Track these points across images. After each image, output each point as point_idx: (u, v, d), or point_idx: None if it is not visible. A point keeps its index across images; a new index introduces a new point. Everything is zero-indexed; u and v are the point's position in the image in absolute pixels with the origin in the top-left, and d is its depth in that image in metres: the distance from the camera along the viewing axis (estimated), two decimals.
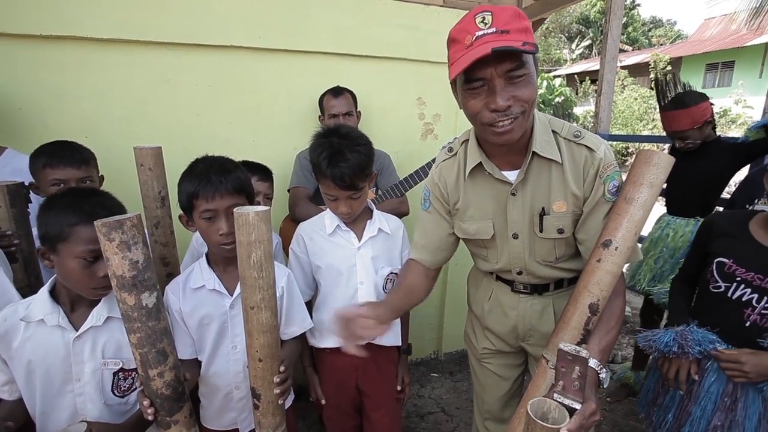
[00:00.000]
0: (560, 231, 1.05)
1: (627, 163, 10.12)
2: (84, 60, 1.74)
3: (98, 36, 1.72)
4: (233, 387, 1.20)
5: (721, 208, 2.11)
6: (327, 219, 1.38)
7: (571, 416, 0.79)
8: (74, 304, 1.02)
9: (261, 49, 1.95)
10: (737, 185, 1.63)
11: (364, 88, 2.07)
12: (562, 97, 12.09)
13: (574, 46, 23.55)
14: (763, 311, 1.08)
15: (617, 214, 0.90)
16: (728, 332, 1.14)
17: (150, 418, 0.87)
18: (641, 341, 1.29)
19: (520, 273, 1.15)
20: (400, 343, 1.49)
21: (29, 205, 1.28)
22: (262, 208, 0.84)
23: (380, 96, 2.21)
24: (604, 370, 0.92)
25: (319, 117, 2.01)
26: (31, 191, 1.40)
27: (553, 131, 1.04)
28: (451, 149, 1.17)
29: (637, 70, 15.17)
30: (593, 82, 13.09)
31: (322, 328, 1.39)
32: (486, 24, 0.88)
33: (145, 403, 0.87)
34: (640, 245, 2.17)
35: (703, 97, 1.95)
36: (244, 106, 2.00)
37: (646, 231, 2.20)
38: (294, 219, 1.88)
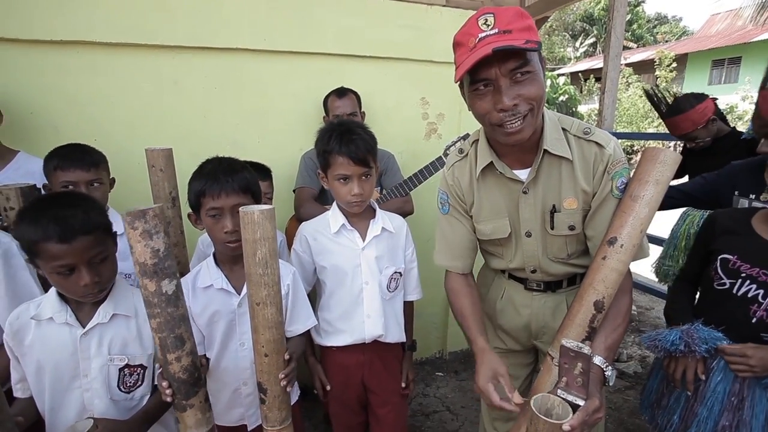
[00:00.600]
0: (571, 228, 1.06)
1: (633, 161, 10.06)
2: (93, 64, 1.78)
3: (107, 40, 1.75)
4: (241, 383, 1.22)
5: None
6: (331, 218, 1.39)
7: (574, 412, 0.80)
8: (80, 303, 1.04)
9: (266, 51, 1.98)
10: (718, 174, 1.63)
11: (367, 89, 2.09)
12: (567, 96, 12.05)
13: (578, 44, 23.44)
14: None
15: (623, 212, 0.91)
16: (734, 329, 1.14)
17: (168, 399, 0.90)
18: (646, 341, 1.27)
19: (534, 271, 1.15)
20: (404, 339, 1.50)
21: None
22: (266, 207, 0.87)
23: (384, 96, 2.23)
24: (610, 368, 0.92)
25: (324, 118, 2.03)
26: (44, 193, 1.43)
27: (563, 128, 1.05)
28: (461, 150, 1.18)
29: (642, 68, 15.06)
30: (597, 80, 13.01)
31: (327, 326, 1.41)
32: (489, 26, 0.89)
33: (164, 384, 0.90)
34: (666, 241, 2.20)
35: (700, 98, 1.94)
36: (250, 108, 2.03)
37: (665, 228, 2.20)
38: (299, 219, 1.90)
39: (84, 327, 1.02)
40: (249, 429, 1.28)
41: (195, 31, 1.85)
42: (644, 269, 2.36)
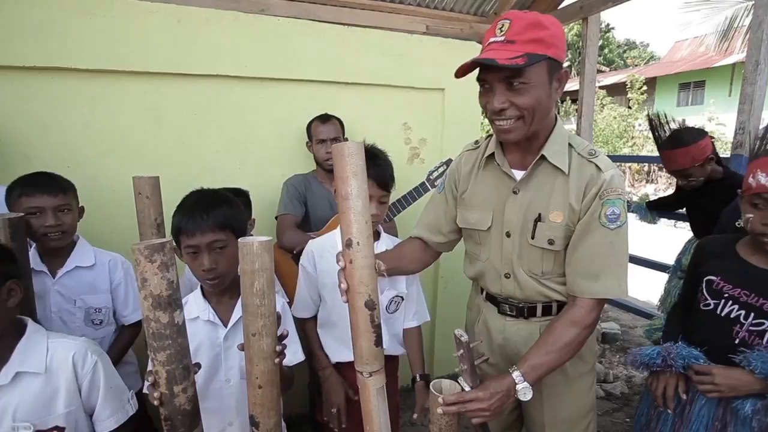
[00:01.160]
0: (550, 242, 1.06)
1: None
2: (69, 91, 1.74)
3: (83, 67, 1.72)
4: (226, 424, 1.16)
5: None
6: (338, 237, 1.38)
7: None
8: None
9: (247, 77, 1.97)
10: (724, 212, 1.61)
11: (350, 115, 2.10)
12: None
13: None
14: (751, 328, 1.09)
15: (343, 213, 0.90)
16: (718, 349, 1.15)
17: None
18: (629, 358, 1.31)
19: (507, 276, 1.15)
20: (403, 352, 1.49)
21: None
22: (265, 238, 0.88)
23: (366, 122, 2.24)
24: (526, 383, 0.97)
25: (307, 143, 2.02)
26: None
27: (570, 144, 1.07)
28: (476, 142, 1.24)
29: (615, 90, 15.70)
30: (573, 101, 13.49)
31: (329, 343, 1.40)
32: (501, 31, 0.94)
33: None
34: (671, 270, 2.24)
35: (702, 134, 1.89)
36: (231, 135, 2.01)
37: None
38: (282, 246, 1.87)
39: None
40: None
41: (174, 58, 1.84)
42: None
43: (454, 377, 2.98)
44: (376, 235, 1.44)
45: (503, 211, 1.12)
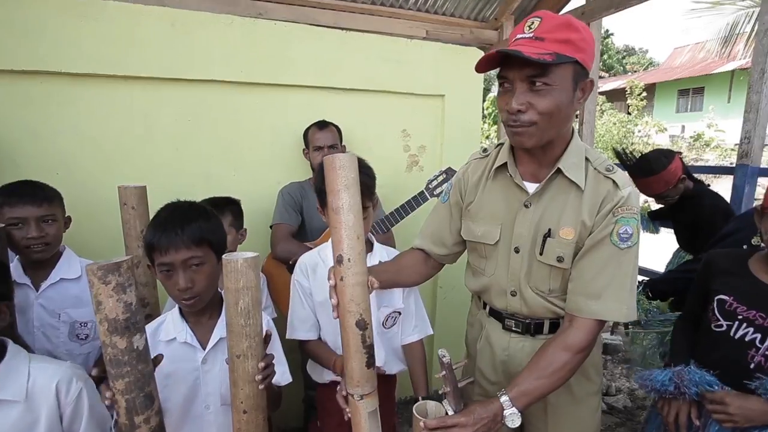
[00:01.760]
0: (559, 259, 1.01)
1: None
2: (58, 95, 1.69)
3: (74, 71, 1.67)
4: None
5: None
6: (329, 251, 1.33)
7: None
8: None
9: (242, 83, 1.93)
10: (734, 218, 1.62)
11: (347, 122, 2.05)
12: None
13: None
14: (767, 352, 1.04)
15: (334, 228, 0.87)
16: (732, 374, 1.10)
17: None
18: (638, 380, 1.25)
19: (513, 294, 1.10)
20: (404, 368, 1.44)
21: None
22: (250, 254, 0.84)
23: (364, 129, 2.19)
24: (514, 410, 0.92)
25: (304, 150, 1.97)
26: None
27: (587, 158, 1.02)
28: (485, 150, 1.20)
29: (614, 96, 15.74)
30: None
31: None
32: (530, 29, 0.90)
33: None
34: None
35: (670, 156, 1.94)
36: (225, 141, 1.96)
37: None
38: (275, 257, 1.81)
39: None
40: None
41: (167, 62, 1.79)
42: None
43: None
44: (369, 246, 1.38)
45: (512, 226, 1.07)
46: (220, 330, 1.07)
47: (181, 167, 1.89)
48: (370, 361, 0.90)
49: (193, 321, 1.10)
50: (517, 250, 1.07)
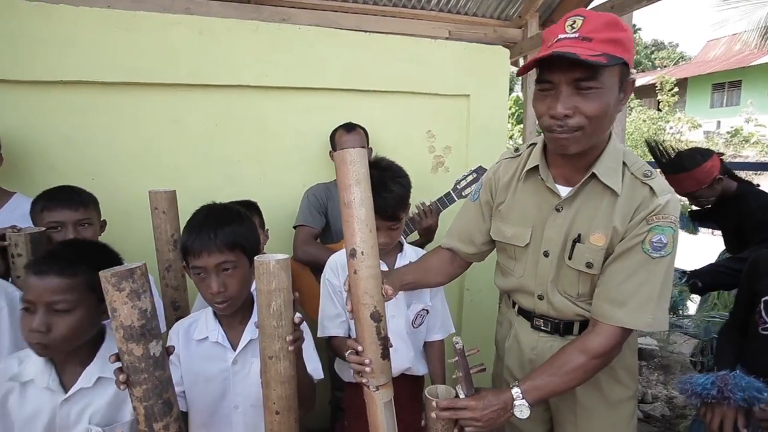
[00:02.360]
0: (589, 265, 0.99)
1: None
2: (92, 103, 1.75)
3: (105, 80, 1.73)
4: None
5: None
6: None
7: None
8: (66, 362, 0.95)
9: (267, 87, 1.95)
10: None
11: (372, 123, 2.04)
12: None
13: None
14: None
15: (346, 222, 0.88)
16: None
17: None
18: (677, 384, 1.19)
19: (541, 297, 1.08)
20: (426, 371, 1.43)
21: None
22: (282, 256, 0.84)
23: (389, 130, 2.18)
24: (524, 402, 0.93)
25: (330, 153, 1.98)
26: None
27: (624, 162, 0.99)
28: (517, 149, 1.17)
29: (643, 92, 15.23)
30: None
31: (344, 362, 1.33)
32: (573, 28, 0.87)
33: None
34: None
35: (706, 155, 1.84)
36: (252, 144, 1.98)
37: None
38: (297, 259, 1.81)
39: (66, 392, 0.93)
40: None
41: (195, 69, 1.83)
42: None
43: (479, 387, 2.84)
44: (399, 247, 1.39)
45: (543, 229, 1.05)
46: (250, 332, 1.08)
47: (209, 171, 1.92)
48: (385, 353, 0.93)
49: (226, 322, 1.11)
50: (546, 254, 1.05)
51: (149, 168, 1.85)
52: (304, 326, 1.17)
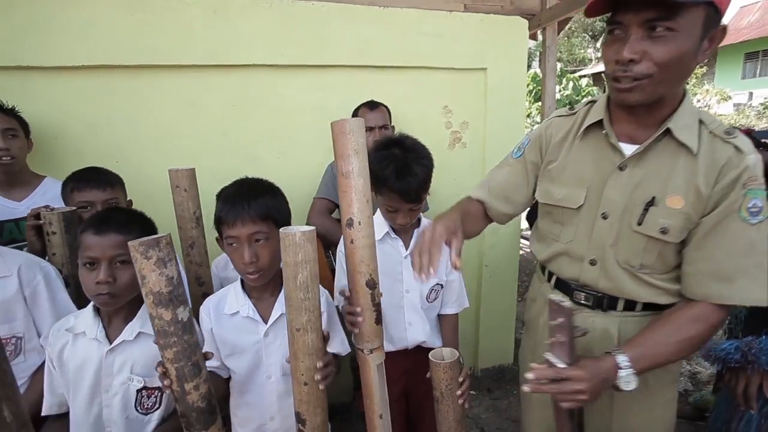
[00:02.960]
0: (663, 231, 0.89)
1: None
2: (112, 88, 1.78)
3: (123, 63, 1.76)
4: (267, 418, 1.15)
5: None
6: (376, 225, 1.34)
7: None
8: (111, 319, 1.05)
9: (283, 66, 1.95)
10: None
11: (388, 99, 2.03)
12: (590, 98, 11.76)
13: (598, 44, 22.94)
14: None
15: (344, 192, 0.87)
16: None
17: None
18: (701, 352, 1.17)
19: (593, 263, 0.99)
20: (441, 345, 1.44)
21: None
22: (308, 228, 0.84)
23: (405, 106, 2.16)
24: (631, 371, 0.84)
25: None
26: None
27: (701, 120, 0.90)
28: (572, 107, 1.10)
29: None
30: None
31: None
32: None
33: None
34: None
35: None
36: (269, 124, 2.00)
37: None
38: None
39: (111, 343, 1.03)
40: None
41: (211, 50, 1.84)
42: None
43: (500, 370, 2.87)
44: (416, 222, 1.39)
45: (602, 190, 0.96)
46: (280, 305, 1.11)
47: (228, 151, 1.95)
48: (379, 318, 0.96)
49: (255, 296, 1.13)
50: (605, 217, 0.96)
51: (169, 150, 1.88)
52: (331, 304, 1.20)
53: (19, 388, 1.18)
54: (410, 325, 1.36)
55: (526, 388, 0.84)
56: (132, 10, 1.73)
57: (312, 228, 0.84)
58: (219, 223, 1.08)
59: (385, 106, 1.93)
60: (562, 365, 0.82)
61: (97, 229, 0.99)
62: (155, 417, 1.06)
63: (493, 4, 3.41)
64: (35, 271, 1.20)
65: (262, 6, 1.88)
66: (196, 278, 1.35)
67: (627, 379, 0.84)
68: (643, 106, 0.88)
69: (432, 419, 1.41)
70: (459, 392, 1.02)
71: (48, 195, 1.58)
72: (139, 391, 1.04)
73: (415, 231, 1.38)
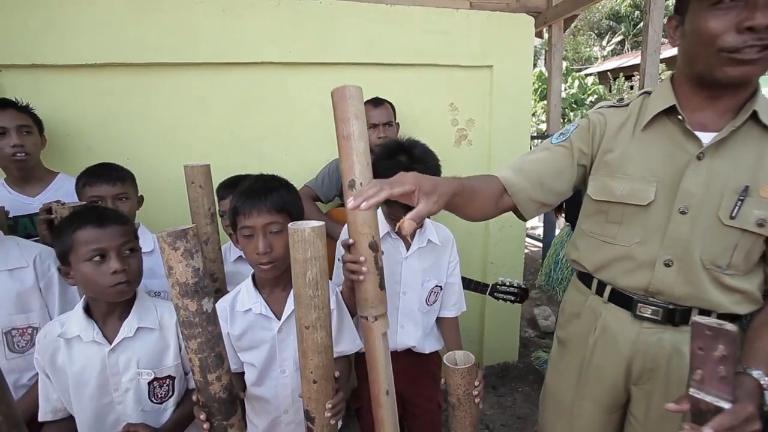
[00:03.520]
0: (761, 223, 0.81)
1: None
2: (122, 85, 1.81)
3: (136, 61, 1.78)
4: (282, 411, 1.16)
5: None
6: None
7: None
8: (105, 319, 1.06)
9: (290, 63, 1.97)
10: None
11: (394, 97, 2.04)
12: (596, 96, 11.67)
13: (604, 42, 22.76)
14: None
15: (345, 154, 0.86)
16: None
17: (205, 427, 0.86)
18: None
19: (668, 264, 0.89)
20: (438, 347, 1.45)
21: None
22: (317, 223, 0.82)
23: (411, 104, 2.17)
24: None
25: None
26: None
27: None
28: (621, 99, 1.00)
29: (675, 63, 14.48)
30: (627, 78, 12.56)
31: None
32: None
33: (202, 416, 0.86)
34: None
35: None
36: (276, 121, 2.02)
37: None
38: None
39: (111, 343, 1.03)
40: None
41: (219, 48, 1.86)
42: None
43: (504, 367, 2.85)
44: (420, 223, 1.37)
45: (676, 183, 0.87)
46: (292, 301, 1.11)
47: (236, 148, 1.97)
48: (382, 283, 0.92)
49: (267, 292, 1.14)
50: (683, 212, 0.87)
51: (179, 147, 1.91)
52: (341, 301, 1.19)
53: (31, 381, 1.22)
54: (402, 327, 1.36)
55: None
56: (142, 10, 1.76)
57: (321, 223, 0.83)
58: (235, 214, 1.09)
59: (390, 103, 1.94)
60: (726, 405, 0.66)
61: (98, 222, 1.01)
62: (170, 404, 1.09)
63: (499, 1, 3.41)
64: (50, 262, 1.23)
65: (270, 4, 1.90)
66: (210, 274, 1.35)
67: None
68: (733, 88, 0.80)
69: (423, 420, 1.44)
70: (475, 392, 0.97)
71: (61, 191, 1.60)
72: (150, 383, 1.06)
73: (418, 231, 1.37)
